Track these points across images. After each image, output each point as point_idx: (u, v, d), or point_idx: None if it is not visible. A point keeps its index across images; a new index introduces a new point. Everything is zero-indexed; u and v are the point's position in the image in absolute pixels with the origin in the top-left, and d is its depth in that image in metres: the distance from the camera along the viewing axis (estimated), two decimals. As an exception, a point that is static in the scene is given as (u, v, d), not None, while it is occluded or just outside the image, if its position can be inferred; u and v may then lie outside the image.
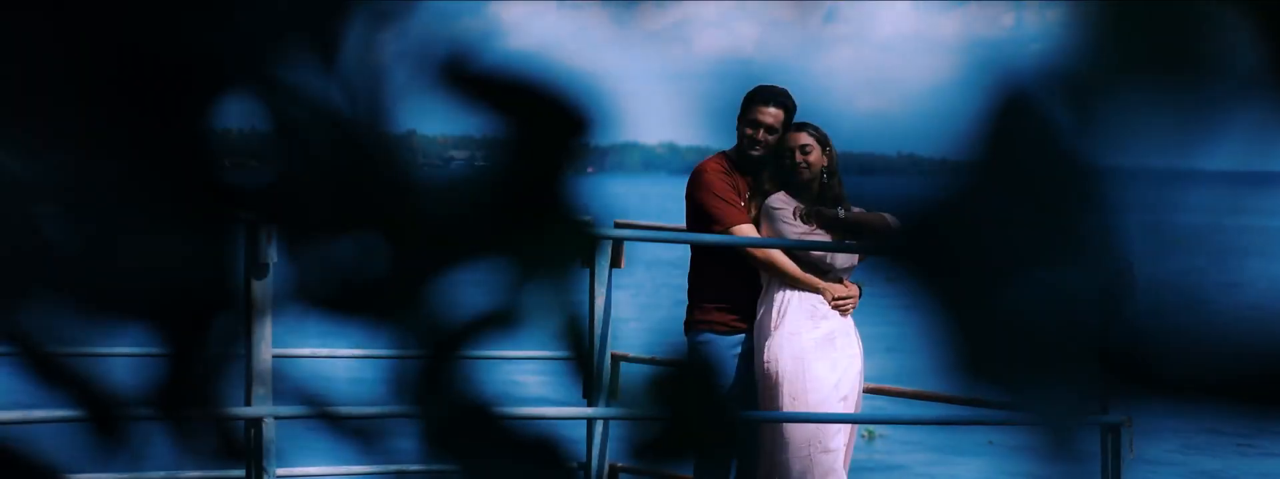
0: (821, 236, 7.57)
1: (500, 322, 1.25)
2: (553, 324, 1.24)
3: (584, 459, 7.96)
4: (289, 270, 1.21)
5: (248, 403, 6.15)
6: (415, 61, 1.10)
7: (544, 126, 1.10)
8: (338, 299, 1.22)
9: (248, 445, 6.09)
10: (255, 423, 6.13)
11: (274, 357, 6.56)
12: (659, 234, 8.75)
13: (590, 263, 7.45)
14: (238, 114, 1.20)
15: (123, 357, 1.30)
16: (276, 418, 6.12)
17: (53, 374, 1.22)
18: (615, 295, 7.81)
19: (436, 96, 1.10)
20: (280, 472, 6.31)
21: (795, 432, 7.46)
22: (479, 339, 1.27)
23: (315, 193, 1.15)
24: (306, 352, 8.22)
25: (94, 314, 1.19)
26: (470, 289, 1.25)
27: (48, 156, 1.13)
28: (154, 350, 1.26)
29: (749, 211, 7.70)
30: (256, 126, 1.19)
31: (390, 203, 1.13)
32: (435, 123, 1.15)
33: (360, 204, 1.15)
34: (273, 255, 5.82)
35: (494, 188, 1.14)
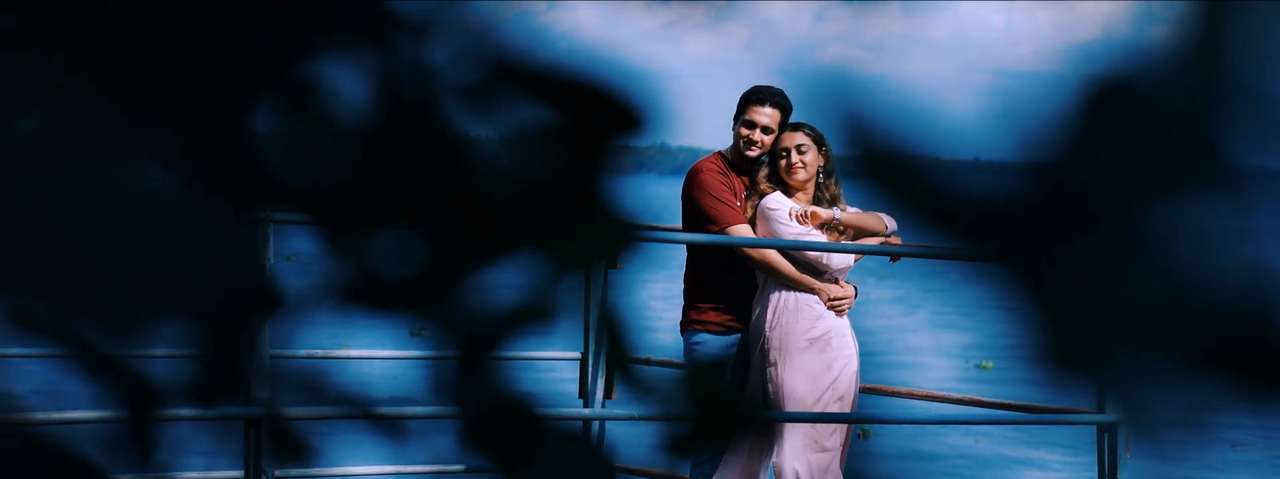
0: (818, 237, 7.58)
1: (533, 318, 1.26)
2: (587, 322, 1.24)
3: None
4: (326, 267, 1.22)
5: (247, 403, 6.15)
6: (463, 58, 1.11)
7: (592, 123, 1.10)
8: (372, 295, 1.23)
9: (248, 446, 6.09)
10: (255, 423, 6.12)
11: (274, 357, 6.55)
12: (656, 234, 8.74)
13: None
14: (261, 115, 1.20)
15: (160, 357, 1.31)
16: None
17: (93, 373, 1.23)
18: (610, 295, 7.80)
19: (486, 93, 1.11)
20: (279, 472, 6.30)
21: (791, 431, 7.47)
22: (512, 335, 1.27)
23: (354, 189, 1.15)
24: (303, 353, 8.21)
25: (132, 312, 1.19)
26: (504, 285, 1.26)
27: (90, 155, 1.14)
28: (189, 349, 1.26)
29: (745, 212, 7.70)
30: (284, 127, 1.20)
31: (437, 199, 1.13)
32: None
33: (401, 200, 1.15)
34: (269, 256, 5.82)
35: (534, 184, 1.14)
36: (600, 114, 1.11)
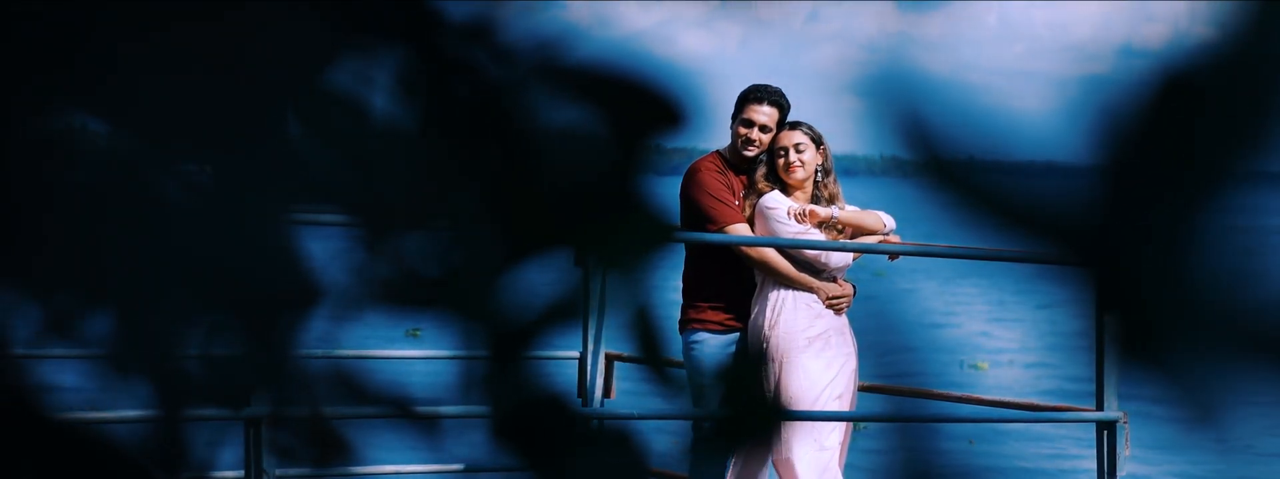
0: (816, 236, 7.59)
1: (564, 317, 1.26)
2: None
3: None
4: (362, 266, 1.22)
5: (247, 403, 6.13)
6: (503, 56, 1.11)
7: (633, 120, 1.10)
8: (405, 293, 1.23)
9: (248, 446, 6.09)
10: (254, 423, 6.12)
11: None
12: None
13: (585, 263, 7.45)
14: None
15: (193, 357, 1.31)
16: (275, 418, 6.08)
17: (127, 373, 1.23)
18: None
19: (526, 90, 1.11)
20: (280, 472, 6.30)
21: (791, 430, 7.47)
22: (543, 334, 1.27)
23: (391, 188, 1.15)
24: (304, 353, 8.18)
25: (167, 312, 1.19)
26: (533, 283, 1.26)
27: (128, 152, 1.14)
28: (223, 349, 1.26)
29: (743, 211, 7.70)
30: (321, 125, 1.20)
31: (471, 197, 1.13)
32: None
33: (436, 199, 1.16)
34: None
35: (571, 182, 1.14)
36: (641, 111, 1.11)
